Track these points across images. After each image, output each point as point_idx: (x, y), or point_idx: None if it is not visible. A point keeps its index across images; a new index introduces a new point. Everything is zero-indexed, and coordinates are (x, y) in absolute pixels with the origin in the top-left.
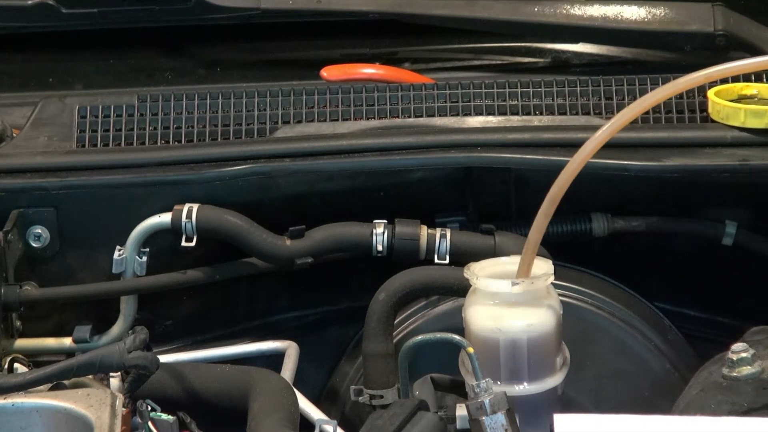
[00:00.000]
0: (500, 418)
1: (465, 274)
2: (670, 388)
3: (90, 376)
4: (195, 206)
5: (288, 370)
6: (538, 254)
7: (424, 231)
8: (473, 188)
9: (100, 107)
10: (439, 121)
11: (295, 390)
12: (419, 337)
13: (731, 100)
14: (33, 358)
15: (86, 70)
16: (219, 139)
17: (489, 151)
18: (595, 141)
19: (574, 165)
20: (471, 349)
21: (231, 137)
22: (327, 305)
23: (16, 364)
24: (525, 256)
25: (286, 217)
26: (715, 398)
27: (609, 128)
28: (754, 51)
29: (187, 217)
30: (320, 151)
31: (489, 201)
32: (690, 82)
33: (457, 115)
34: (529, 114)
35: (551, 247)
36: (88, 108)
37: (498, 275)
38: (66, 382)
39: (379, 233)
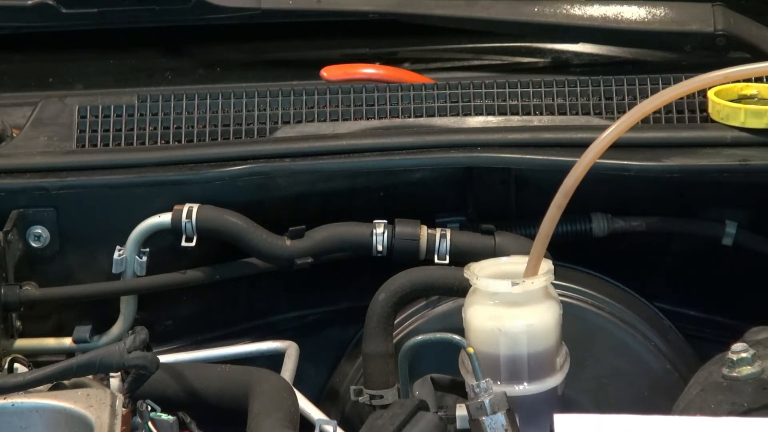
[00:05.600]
0: (500, 418)
1: (465, 274)
2: (670, 388)
3: (90, 376)
4: (195, 206)
5: (288, 370)
6: None
7: (424, 231)
8: (473, 188)
9: (100, 107)
10: (439, 121)
11: (295, 390)
12: (419, 337)
13: (731, 100)
14: (33, 358)
15: (86, 70)
16: (219, 139)
17: (489, 151)
18: (620, 125)
19: (597, 147)
20: (471, 349)
21: (231, 137)
22: (327, 305)
23: (16, 364)
24: (535, 249)
25: (286, 217)
26: (715, 398)
27: (632, 115)
28: (754, 51)
29: (187, 217)
30: (320, 151)
31: (489, 201)
32: (712, 79)
33: (457, 115)
34: (529, 114)
35: (551, 247)
36: (88, 108)
37: (498, 275)
38: (66, 382)
39: (379, 233)
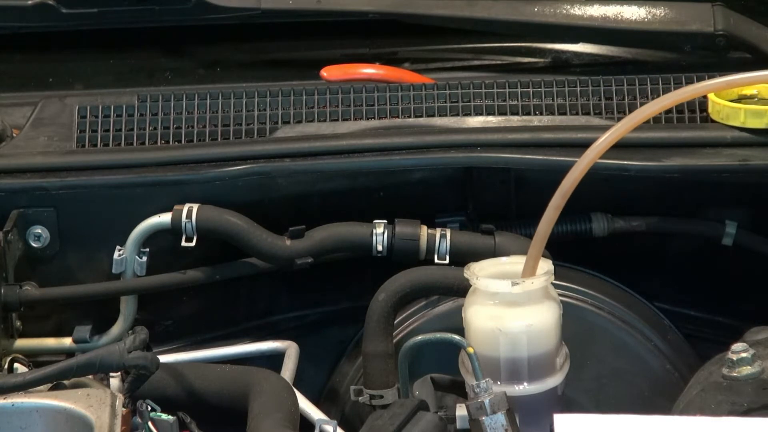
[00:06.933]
0: (500, 418)
1: (465, 274)
2: (670, 388)
3: (90, 376)
4: (195, 206)
5: (288, 370)
6: None
7: (424, 231)
8: (473, 188)
9: (100, 107)
10: (439, 121)
11: (295, 390)
12: (419, 337)
13: (731, 100)
14: (33, 358)
15: (86, 70)
16: (219, 139)
17: (489, 151)
18: (620, 128)
19: (595, 151)
20: (471, 349)
21: (231, 137)
22: (327, 305)
23: (16, 364)
24: (532, 250)
25: (286, 217)
26: (715, 398)
27: (632, 118)
28: (754, 51)
29: (187, 217)
30: (320, 151)
31: (489, 201)
32: (714, 86)
33: (457, 115)
34: (529, 114)
35: (552, 247)
36: (88, 108)
37: (498, 275)
38: (66, 382)
39: (379, 233)
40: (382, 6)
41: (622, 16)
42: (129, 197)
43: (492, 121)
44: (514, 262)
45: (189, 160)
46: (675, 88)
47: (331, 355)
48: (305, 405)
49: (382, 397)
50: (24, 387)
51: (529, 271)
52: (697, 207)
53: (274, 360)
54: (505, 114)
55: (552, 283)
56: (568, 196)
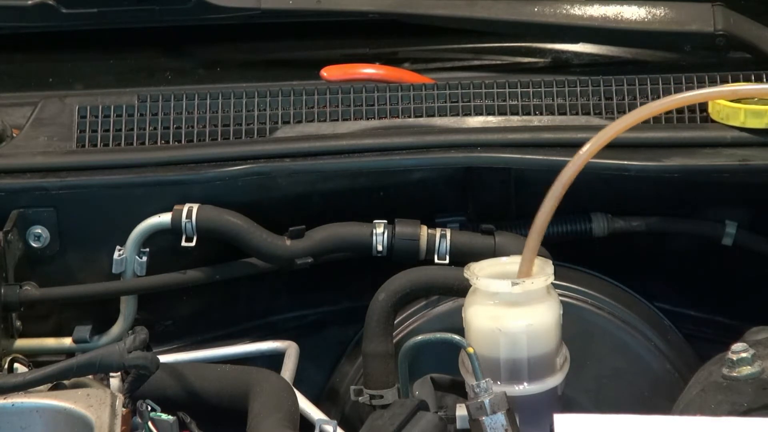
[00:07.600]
0: (500, 418)
1: (465, 274)
2: (670, 388)
3: (90, 376)
4: (195, 206)
5: (288, 370)
6: (538, 254)
7: (424, 231)
8: (473, 188)
9: (100, 107)
10: (439, 121)
11: (295, 390)
12: (419, 337)
13: (731, 100)
14: (33, 358)
15: (86, 70)
16: (219, 139)
17: (489, 151)
18: (617, 126)
19: (593, 147)
20: (471, 349)
21: (231, 137)
22: (327, 305)
23: (16, 364)
24: (528, 248)
25: (286, 217)
26: (715, 398)
27: (631, 116)
28: (755, 51)
29: (187, 217)
30: (320, 151)
31: (489, 201)
32: (718, 93)
33: (457, 115)
34: (529, 114)
35: (551, 247)
36: (88, 108)
37: (498, 275)
38: (66, 382)
39: (379, 233)
40: (382, 6)
41: (622, 16)
42: (129, 197)
43: (492, 121)
44: (514, 262)
45: (189, 160)
46: (675, 88)
47: (331, 355)
48: (305, 405)
49: (382, 397)
50: (24, 387)
51: (526, 269)
52: (697, 207)
53: (274, 360)
54: (505, 114)
55: (552, 283)
56: (563, 194)
